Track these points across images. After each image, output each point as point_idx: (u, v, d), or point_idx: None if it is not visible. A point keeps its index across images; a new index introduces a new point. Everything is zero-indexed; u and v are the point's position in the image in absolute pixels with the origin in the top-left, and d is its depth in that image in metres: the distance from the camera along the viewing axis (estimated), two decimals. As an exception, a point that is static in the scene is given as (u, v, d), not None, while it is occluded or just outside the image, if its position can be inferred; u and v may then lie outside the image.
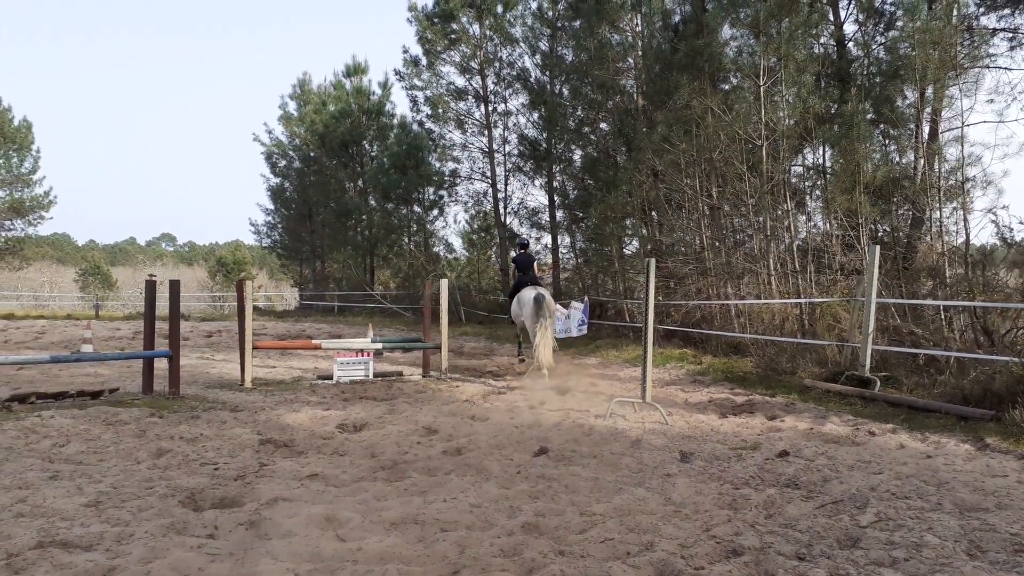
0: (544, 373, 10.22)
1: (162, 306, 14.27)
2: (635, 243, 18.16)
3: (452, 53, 25.30)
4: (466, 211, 28.93)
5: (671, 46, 15.87)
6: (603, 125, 19.44)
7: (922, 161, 11.51)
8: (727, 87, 14.91)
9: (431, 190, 28.97)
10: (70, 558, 3.38)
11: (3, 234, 41.45)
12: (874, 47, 13.25)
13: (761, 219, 12.88)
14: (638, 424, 6.97)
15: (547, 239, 23.57)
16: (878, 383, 8.28)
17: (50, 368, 10.52)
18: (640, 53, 17.19)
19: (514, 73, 24.11)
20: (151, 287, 8.72)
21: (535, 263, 12.81)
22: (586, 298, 14.96)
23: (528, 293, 11.20)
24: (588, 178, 19.88)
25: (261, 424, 6.83)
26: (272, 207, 37.24)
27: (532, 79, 23.36)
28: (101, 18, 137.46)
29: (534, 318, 10.63)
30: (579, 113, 20.40)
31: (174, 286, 8.72)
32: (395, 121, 31.85)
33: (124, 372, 10.54)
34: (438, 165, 28.15)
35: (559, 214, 22.76)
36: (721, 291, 13.55)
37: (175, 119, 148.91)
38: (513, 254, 14.75)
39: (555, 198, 22.62)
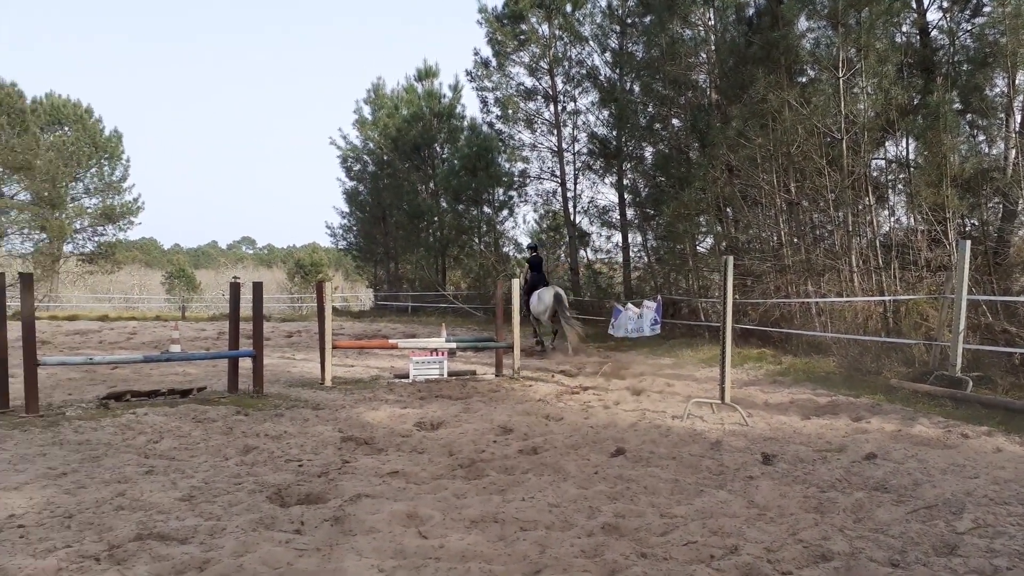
0: (570, 349, 13.37)
1: (245, 307, 14.73)
2: (709, 240, 17.84)
3: (522, 54, 25.36)
4: (535, 211, 29.02)
5: (745, 39, 15.51)
6: (675, 121, 19.13)
7: (1013, 152, 10.93)
8: (804, 80, 14.47)
9: (500, 191, 29.12)
10: (167, 550, 3.53)
11: (96, 239, 43.75)
12: (960, 35, 12.64)
13: (841, 214, 12.45)
14: (717, 425, 6.84)
15: (617, 237, 23.39)
16: (970, 383, 7.90)
17: (142, 367, 11.02)
18: (713, 48, 16.86)
19: (583, 71, 24.00)
20: (235, 289, 9.03)
21: (543, 264, 15.16)
22: (659, 297, 14.75)
23: (548, 292, 13.84)
24: (660, 175, 19.62)
25: (342, 422, 7.00)
26: (347, 210, 38.10)
27: (602, 77, 23.21)
28: (181, 28, 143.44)
29: (562, 315, 13.53)
30: (650, 110, 20.13)
31: (257, 288, 9.01)
32: (465, 123, 32.15)
33: (210, 371, 10.95)
34: (507, 166, 28.27)
35: (630, 212, 22.54)
36: (801, 289, 13.17)
37: (254, 126, 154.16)
38: (527, 255, 16.48)
39: (625, 196, 22.41)
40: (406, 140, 32.31)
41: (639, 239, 22.52)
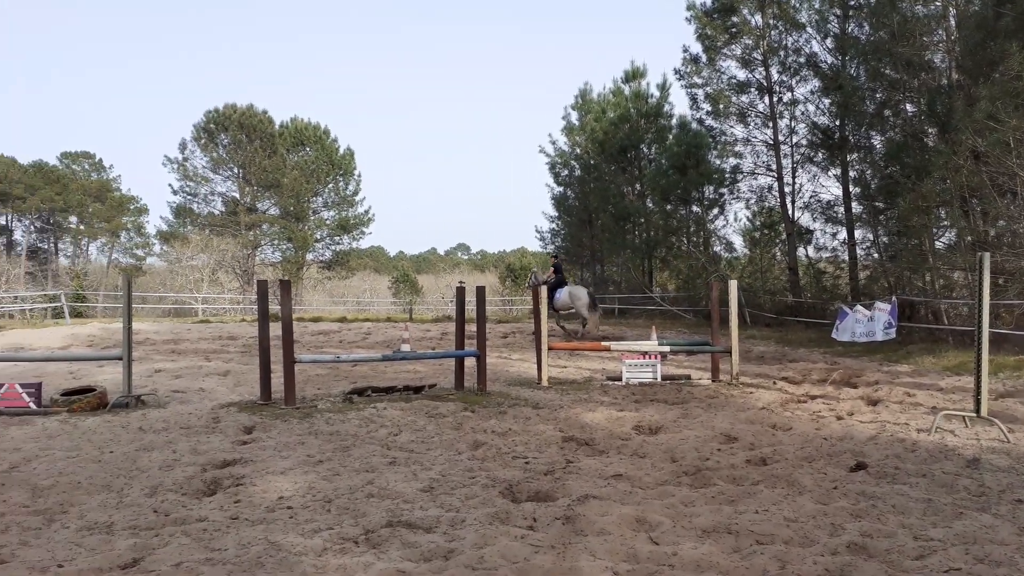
0: (592, 332, 17.48)
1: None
2: (951, 235, 16.08)
3: (733, 46, 24.45)
4: (748, 208, 27.74)
5: (994, 11, 13.81)
6: (907, 106, 17.49)
7: None
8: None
9: (711, 188, 28.25)
10: (415, 538, 3.80)
11: (333, 248, 48.48)
12: None
13: None
14: (972, 441, 6.15)
15: (843, 234, 21.76)
16: None
17: (378, 365, 11.98)
18: (953, 23, 15.19)
19: (801, 60, 22.63)
20: (461, 293, 9.54)
21: (562, 268, 19.79)
22: (894, 298, 13.54)
23: (581, 290, 18.50)
24: (892, 165, 17.99)
25: (561, 422, 7.15)
26: (555, 214, 38.89)
27: (822, 63, 21.76)
28: (396, 48, 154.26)
29: (591, 307, 18.06)
30: (878, 95, 18.57)
31: (480, 291, 9.47)
32: (673, 122, 31.59)
33: (437, 369, 11.66)
34: (718, 162, 27.37)
35: (856, 206, 20.89)
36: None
37: (465, 136, 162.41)
38: (554, 260, 20.86)
39: (851, 189, 20.81)
40: (612, 142, 32.38)
41: (866, 235, 20.85)
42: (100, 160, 69.79)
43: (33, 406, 7.68)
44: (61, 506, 4.43)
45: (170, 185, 56.08)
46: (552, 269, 19.47)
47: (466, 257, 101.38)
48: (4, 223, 64.12)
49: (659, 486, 4.85)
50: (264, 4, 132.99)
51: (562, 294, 18.20)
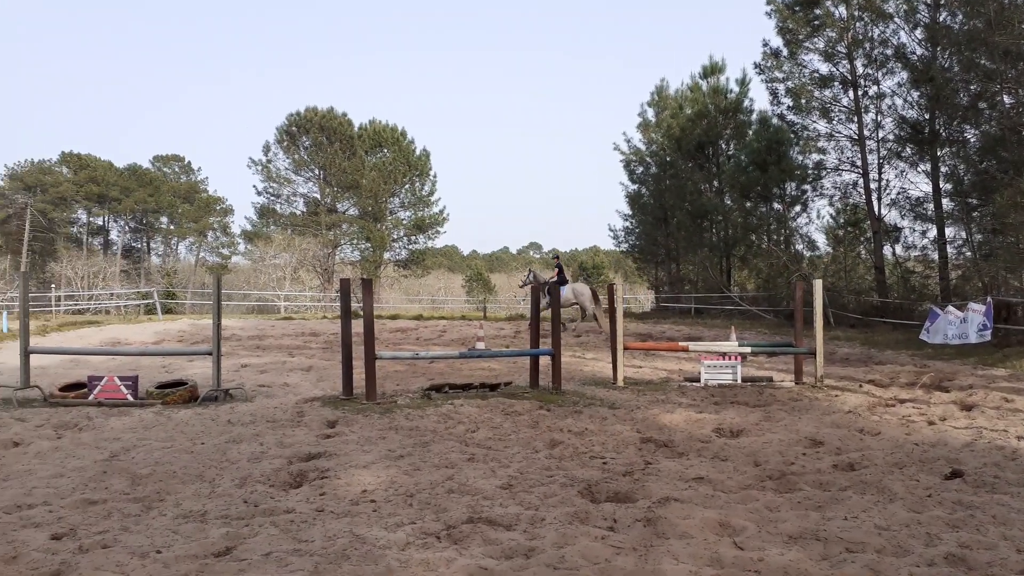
0: (602, 329, 18.47)
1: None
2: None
3: (816, 40, 23.76)
4: (831, 205, 26.89)
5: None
6: (1005, 98, 16.60)
7: None
8: None
9: (792, 185, 27.53)
10: (496, 534, 3.83)
11: (409, 247, 49.37)
12: None
13: None
14: (1080, 451, 5.79)
15: (933, 232, 20.86)
16: None
17: (453, 361, 12.13)
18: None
19: (888, 52, 21.81)
20: (535, 292, 9.56)
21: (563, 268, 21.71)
22: (989, 299, 12.87)
23: (583, 286, 20.88)
24: (987, 160, 17.13)
25: (639, 422, 7.08)
26: (629, 213, 38.52)
27: (912, 55, 20.87)
28: (470, 46, 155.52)
29: (593, 303, 20.02)
30: (973, 87, 17.70)
31: (555, 291, 9.45)
32: (753, 117, 30.95)
33: (511, 367, 11.73)
34: (800, 158, 26.63)
35: (947, 203, 19.99)
36: None
37: (538, 134, 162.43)
38: (557, 261, 22.57)
39: (942, 185, 19.90)
40: (689, 139, 31.91)
41: (959, 233, 19.92)
42: (189, 163, 73.07)
43: (130, 398, 8.09)
44: (158, 494, 4.65)
45: (254, 186, 58.22)
46: (556, 269, 21.71)
47: (538, 256, 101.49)
48: (102, 224, 67.77)
49: (742, 490, 4.75)
50: (340, 10, 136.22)
51: (565, 291, 20.07)
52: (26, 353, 8.44)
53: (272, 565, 3.39)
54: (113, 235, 68.32)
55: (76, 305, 34.42)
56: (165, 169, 71.52)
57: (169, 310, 34.02)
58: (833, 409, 8.02)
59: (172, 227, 69.57)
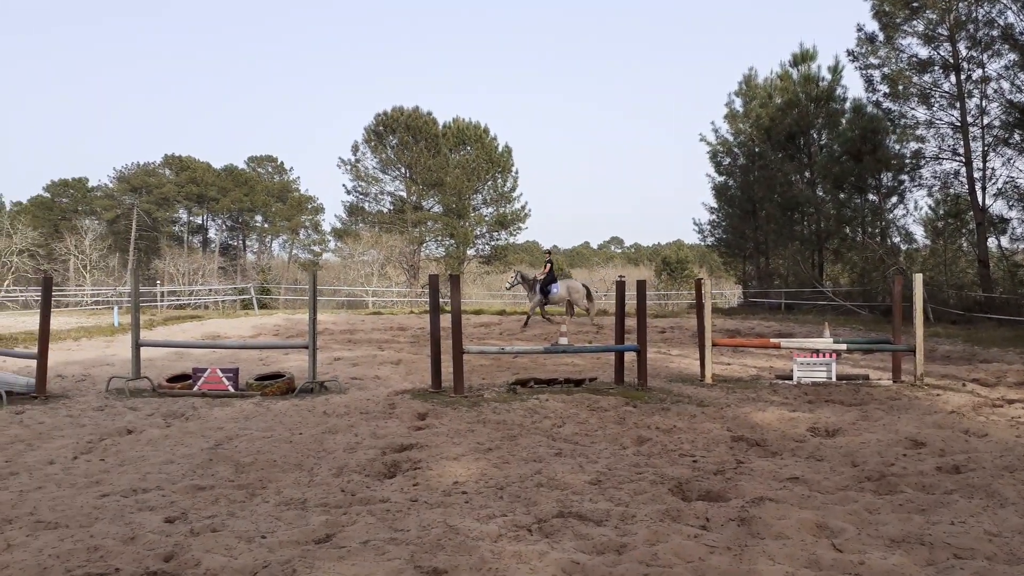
0: (598, 324, 19.08)
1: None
2: None
3: (914, 22, 22.63)
4: (930, 195, 25.63)
5: None
6: None
7: None
8: None
9: (889, 175, 26.36)
10: (586, 530, 3.84)
11: (492, 243, 49.83)
12: None
13: None
14: None
15: (1046, 223, 19.60)
16: None
17: (537, 356, 12.18)
18: None
19: (994, 33, 20.57)
20: (620, 287, 9.50)
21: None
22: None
23: (576, 283, 20.68)
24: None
25: (729, 421, 6.94)
26: (715, 205, 37.71)
27: (1021, 36, 19.62)
28: (550, 41, 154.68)
29: (587, 299, 19.95)
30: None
31: (640, 285, 9.38)
32: (847, 106, 29.73)
33: (594, 363, 11.68)
34: (897, 147, 25.44)
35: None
36: None
37: (621, 127, 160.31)
38: (548, 258, 21.28)
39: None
40: (779, 129, 30.95)
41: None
42: (281, 163, 75.88)
43: (231, 389, 8.49)
44: (260, 482, 4.87)
45: (344, 185, 59.88)
46: (546, 265, 20.96)
47: (619, 251, 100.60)
48: (201, 223, 71.18)
49: (839, 491, 4.60)
50: (425, 11, 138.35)
51: (558, 288, 19.98)
52: (137, 346, 8.98)
53: (370, 552, 3.50)
54: (211, 233, 71.74)
55: (178, 300, 36.32)
56: (259, 169, 74.51)
57: (264, 305, 35.44)
58: (935, 409, 7.66)
59: (266, 225, 72.43)
